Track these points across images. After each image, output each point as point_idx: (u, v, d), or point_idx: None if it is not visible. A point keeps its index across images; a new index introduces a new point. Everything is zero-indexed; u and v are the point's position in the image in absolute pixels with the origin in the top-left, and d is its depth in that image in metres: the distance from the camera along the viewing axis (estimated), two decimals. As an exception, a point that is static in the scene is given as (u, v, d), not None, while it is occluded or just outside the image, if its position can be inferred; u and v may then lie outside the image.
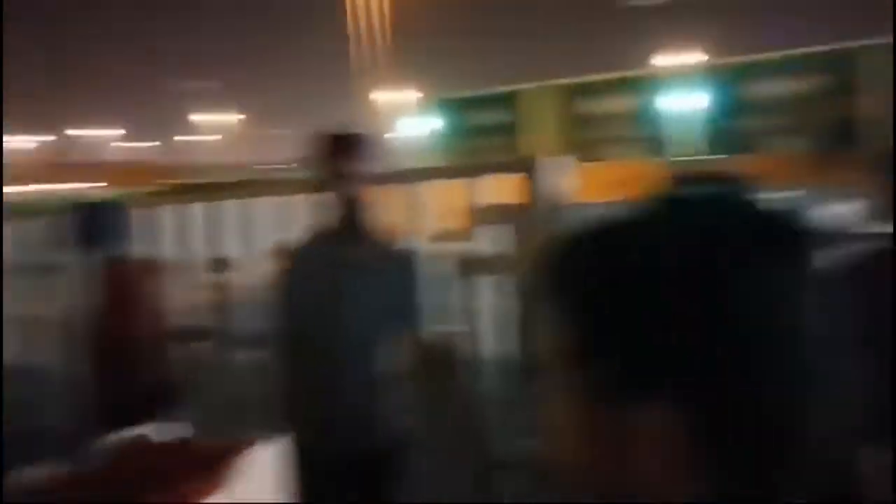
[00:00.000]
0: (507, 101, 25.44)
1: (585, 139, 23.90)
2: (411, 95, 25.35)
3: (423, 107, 26.16)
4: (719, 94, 22.50)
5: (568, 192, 3.37)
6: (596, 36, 20.56)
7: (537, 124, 24.71)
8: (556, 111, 24.92)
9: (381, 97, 24.45)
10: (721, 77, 22.53)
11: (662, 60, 23.93)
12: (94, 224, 3.26)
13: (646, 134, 23.56)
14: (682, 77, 22.70)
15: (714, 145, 21.69)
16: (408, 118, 25.43)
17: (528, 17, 22.03)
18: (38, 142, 47.56)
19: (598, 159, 20.38)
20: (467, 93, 26.60)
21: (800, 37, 19.39)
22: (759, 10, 18.16)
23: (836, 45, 20.17)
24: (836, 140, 18.04)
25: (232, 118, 47.31)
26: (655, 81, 23.52)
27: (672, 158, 19.49)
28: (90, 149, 47.99)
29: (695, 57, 23.66)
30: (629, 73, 24.31)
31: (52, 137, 48.59)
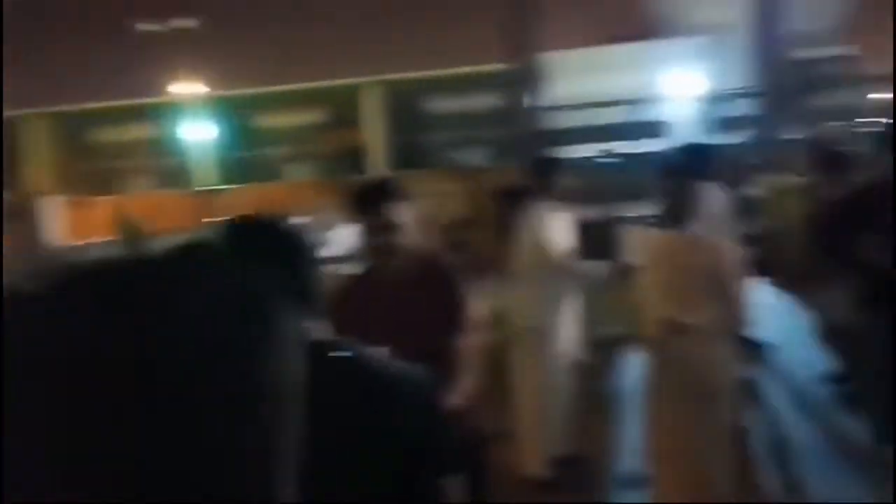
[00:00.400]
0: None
1: (94, 170, 22.34)
2: None
3: None
4: (233, 125, 22.96)
5: (59, 235, 3.03)
6: (104, 61, 19.32)
7: (33, 156, 22.32)
8: (56, 141, 22.80)
9: None
10: (233, 107, 23.02)
11: (176, 89, 23.56)
12: None
13: (164, 164, 22.91)
14: (196, 106, 22.62)
15: (232, 175, 22.04)
16: None
17: (31, 41, 19.73)
18: None
19: (110, 192, 19.21)
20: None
21: (305, 73, 20.80)
22: (265, 47, 19.00)
23: (338, 82, 22.10)
24: (341, 168, 19.78)
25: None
26: (169, 110, 23.06)
27: (193, 189, 19.25)
28: None
29: (207, 87, 23.79)
30: (141, 101, 23.43)
31: None
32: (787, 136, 13.89)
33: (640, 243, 3.52)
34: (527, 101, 13.94)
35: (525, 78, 13.93)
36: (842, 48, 24.75)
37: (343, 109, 22.05)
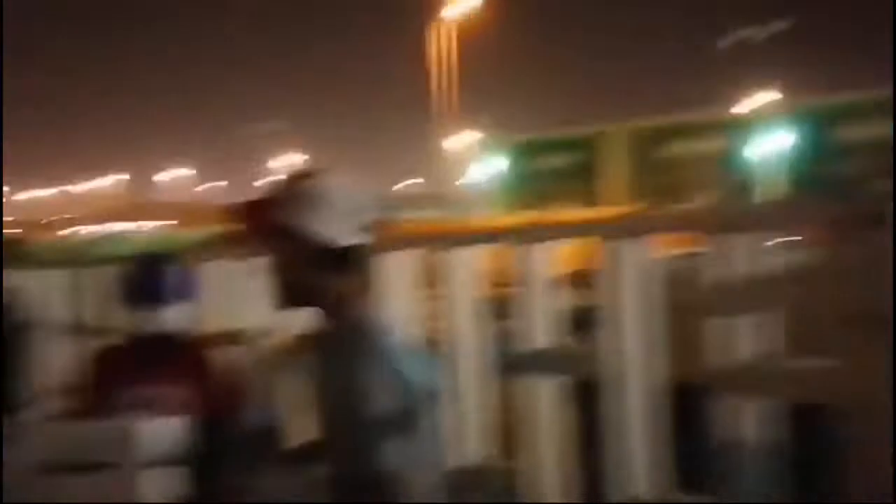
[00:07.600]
0: (582, 143, 23.93)
1: (663, 183, 21.90)
2: (480, 138, 25.16)
3: (495, 149, 24.81)
4: (813, 136, 20.57)
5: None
6: (680, 76, 19.58)
7: (613, 168, 22.94)
8: (634, 154, 23.02)
9: (452, 142, 23.95)
10: (812, 117, 21.04)
11: (747, 102, 23.24)
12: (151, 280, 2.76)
13: (730, 177, 21.46)
14: (766, 118, 21.82)
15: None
16: (478, 162, 24.90)
17: (608, 57, 21.01)
18: (112, 181, 52.71)
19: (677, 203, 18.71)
20: (540, 135, 25.35)
21: None
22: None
23: None
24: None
25: (299, 159, 45.63)
26: (739, 123, 22.40)
27: (758, 201, 17.75)
28: (163, 189, 51.71)
29: (777, 97, 23.37)
30: (710, 116, 23.25)
31: (124, 176, 53.77)
32: None
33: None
34: None
35: None
36: None
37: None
